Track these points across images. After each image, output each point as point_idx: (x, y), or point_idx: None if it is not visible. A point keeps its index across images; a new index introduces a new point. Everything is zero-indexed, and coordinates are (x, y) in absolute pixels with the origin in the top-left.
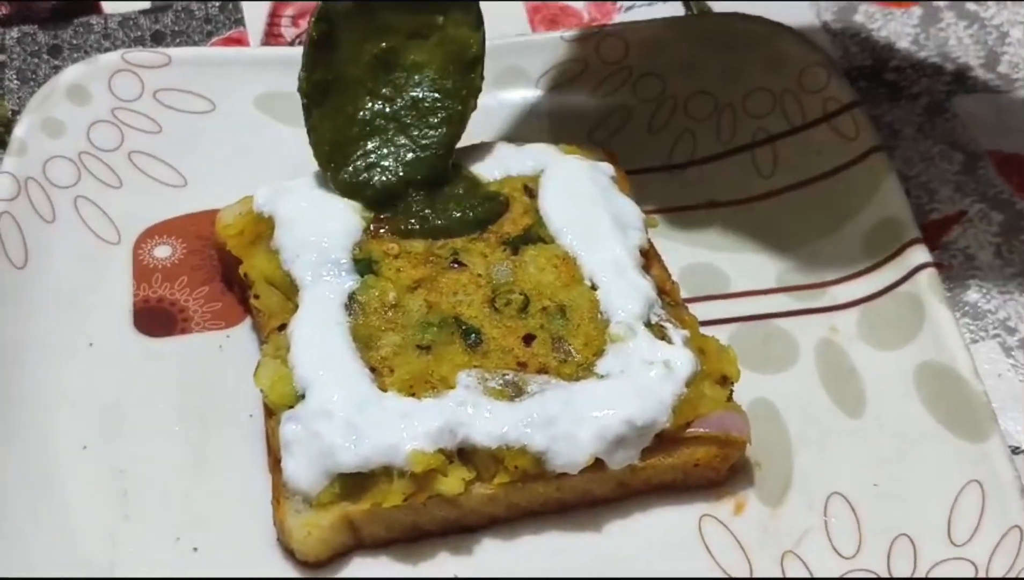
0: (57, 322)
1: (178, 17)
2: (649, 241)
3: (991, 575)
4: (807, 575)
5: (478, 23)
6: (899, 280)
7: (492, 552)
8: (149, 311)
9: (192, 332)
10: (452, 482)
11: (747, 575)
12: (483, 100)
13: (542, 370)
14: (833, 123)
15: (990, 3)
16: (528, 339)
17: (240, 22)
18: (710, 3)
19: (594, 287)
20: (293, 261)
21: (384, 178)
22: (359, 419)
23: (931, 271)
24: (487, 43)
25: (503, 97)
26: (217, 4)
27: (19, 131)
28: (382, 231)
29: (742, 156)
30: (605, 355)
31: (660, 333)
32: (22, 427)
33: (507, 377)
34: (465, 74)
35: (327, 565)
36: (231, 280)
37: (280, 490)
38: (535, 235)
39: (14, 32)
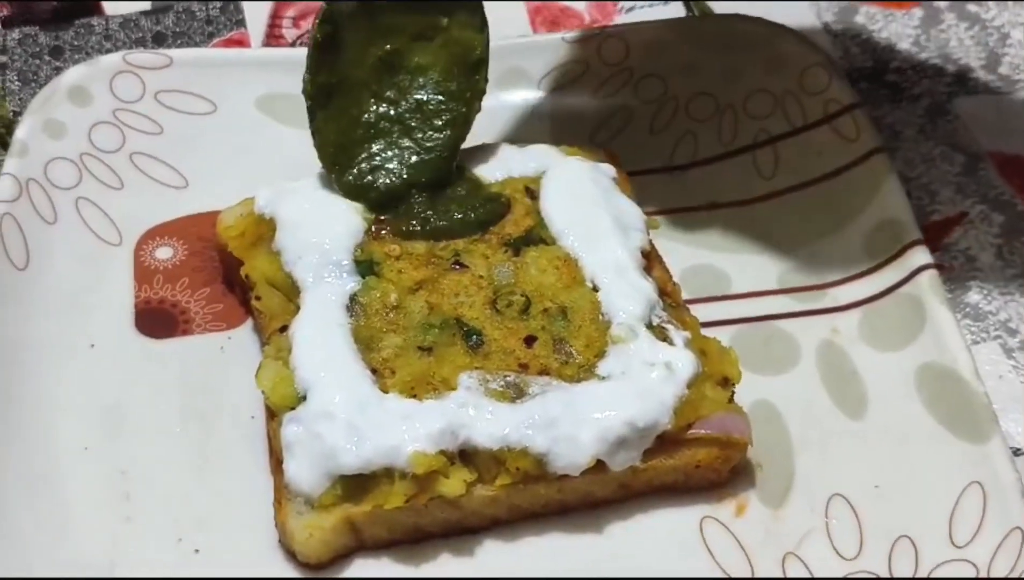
0: (58, 323)
1: (179, 18)
2: (650, 242)
3: (992, 576)
4: (808, 576)
5: (482, 25)
6: (900, 281)
7: (493, 553)
8: (150, 312)
9: (193, 333)
10: (453, 484)
11: (748, 576)
12: (484, 101)
13: (543, 371)
14: (834, 124)
15: (991, 5)
16: (529, 341)
17: (241, 23)
18: (711, 4)
19: (595, 288)
20: (294, 262)
21: (388, 180)
22: (360, 421)
23: (932, 272)
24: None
25: (504, 98)
26: (218, 5)
27: (20, 132)
28: (383, 233)
29: (743, 157)
30: (606, 357)
31: (661, 334)
32: (23, 428)
33: (508, 378)
34: (469, 76)
35: (329, 567)
36: (232, 281)
37: (282, 492)
38: (536, 236)
39: (15, 33)
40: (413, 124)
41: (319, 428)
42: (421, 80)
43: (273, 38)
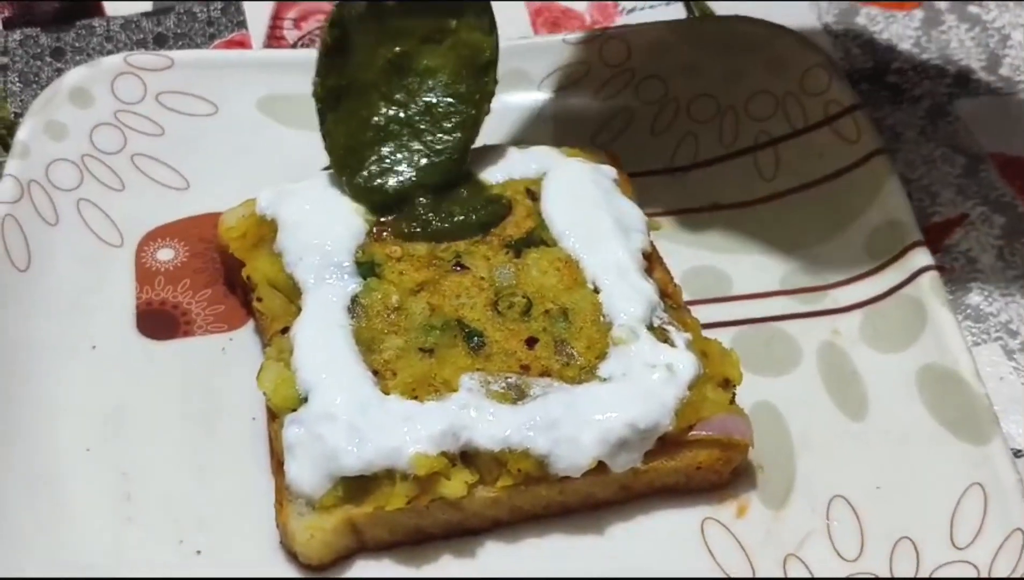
0: (60, 324)
1: (180, 19)
2: (651, 244)
3: (993, 577)
4: (809, 577)
5: (491, 27)
6: (901, 283)
7: (495, 555)
8: (152, 314)
9: (195, 335)
10: (455, 485)
11: (749, 577)
12: None
13: (545, 373)
14: (835, 126)
15: (991, 6)
16: (531, 342)
17: (242, 24)
18: (711, 5)
19: (596, 290)
20: (296, 264)
21: (398, 183)
22: (362, 422)
23: (933, 274)
24: None
25: (505, 100)
26: (219, 7)
27: (22, 134)
28: (385, 234)
29: (744, 159)
30: (607, 358)
31: (662, 336)
32: (24, 429)
33: (510, 380)
34: (478, 78)
35: (330, 568)
36: (234, 283)
37: (283, 493)
38: (538, 238)
39: (16, 35)
40: (422, 127)
41: (320, 429)
42: (430, 82)
43: (274, 39)
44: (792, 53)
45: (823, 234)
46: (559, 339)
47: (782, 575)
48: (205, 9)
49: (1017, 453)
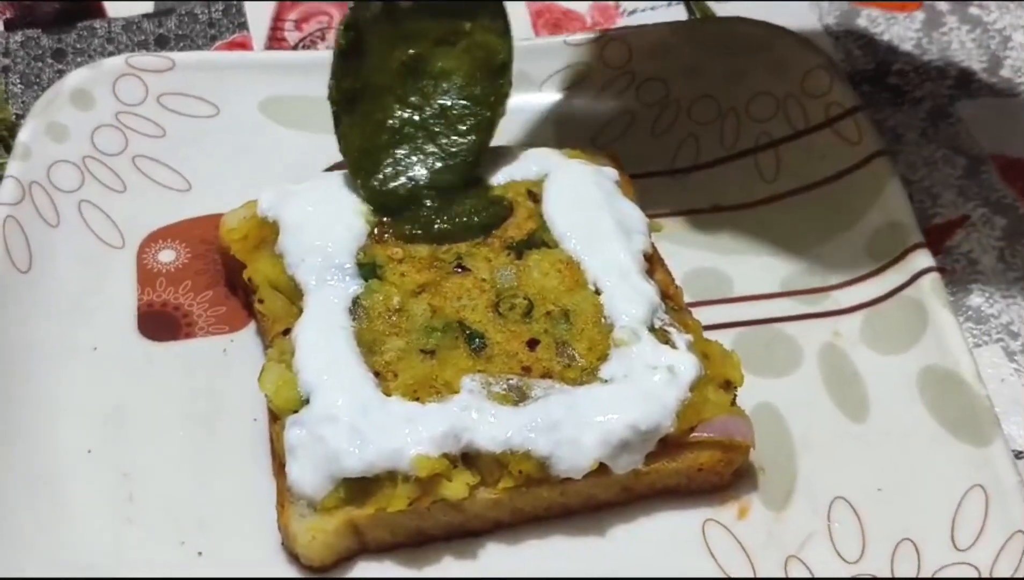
0: (61, 326)
1: (182, 21)
2: (653, 245)
3: (995, 578)
4: (810, 579)
5: (505, 29)
6: (902, 284)
7: (496, 556)
8: (153, 315)
9: (196, 336)
10: (456, 487)
11: (751, 578)
12: None
13: (546, 375)
14: (836, 127)
15: (992, 7)
16: (532, 344)
17: (244, 26)
18: (712, 6)
19: (598, 292)
20: (297, 265)
21: (413, 186)
22: (363, 424)
23: (934, 276)
24: None
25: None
26: (220, 8)
27: (23, 135)
28: (386, 236)
29: (745, 160)
30: (609, 360)
31: (664, 338)
32: (26, 430)
33: (511, 382)
34: (493, 80)
35: (331, 569)
36: (235, 284)
37: (284, 494)
38: (539, 240)
39: (18, 36)
40: (437, 129)
41: (322, 431)
42: (445, 85)
43: (275, 41)
44: (793, 54)
45: (824, 235)
46: (560, 341)
47: (783, 576)
48: (206, 10)
49: (1018, 454)
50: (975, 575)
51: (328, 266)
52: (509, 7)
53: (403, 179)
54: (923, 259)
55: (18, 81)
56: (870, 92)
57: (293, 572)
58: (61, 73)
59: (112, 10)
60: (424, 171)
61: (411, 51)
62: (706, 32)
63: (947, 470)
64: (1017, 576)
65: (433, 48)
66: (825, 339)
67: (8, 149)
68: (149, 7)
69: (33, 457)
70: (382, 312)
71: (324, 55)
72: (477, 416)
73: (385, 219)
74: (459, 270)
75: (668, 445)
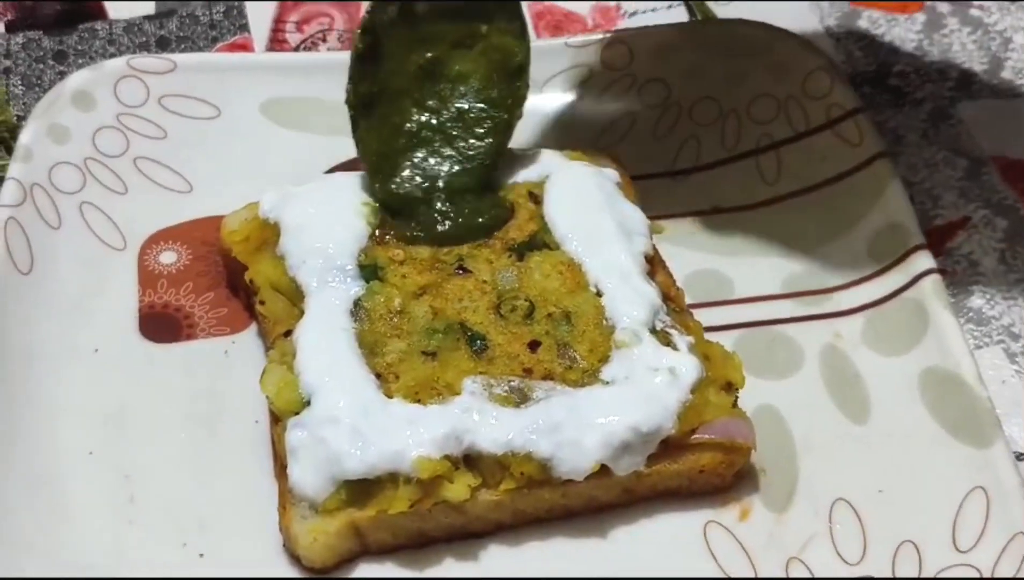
0: (62, 327)
1: (183, 23)
2: (654, 247)
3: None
4: None
5: (522, 30)
6: (903, 286)
7: (498, 558)
8: (154, 317)
9: (197, 338)
10: (458, 488)
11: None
12: None
13: (547, 376)
14: (837, 129)
15: (993, 9)
16: (533, 345)
17: (245, 28)
18: (714, 8)
19: (599, 293)
20: (299, 267)
21: (431, 189)
22: (365, 425)
23: (935, 277)
24: None
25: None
26: (222, 9)
27: (24, 137)
28: (387, 237)
29: (746, 162)
30: (610, 361)
31: (665, 339)
32: (27, 432)
33: (512, 383)
34: (510, 83)
35: (333, 571)
36: (236, 286)
37: (286, 496)
38: (540, 241)
39: (19, 38)
40: (455, 133)
41: (323, 433)
42: (462, 88)
43: (277, 42)
44: (794, 56)
45: (825, 237)
46: (562, 342)
47: (785, 577)
48: (207, 12)
49: (1019, 456)
50: (976, 576)
51: (329, 268)
52: None
53: (421, 182)
54: (924, 261)
55: (19, 83)
56: (871, 94)
57: (294, 573)
58: (62, 75)
59: (113, 12)
60: (442, 174)
61: (428, 54)
62: (707, 34)
63: (948, 472)
64: (1018, 577)
65: (450, 51)
66: (826, 341)
67: (9, 151)
68: (150, 9)
69: (34, 458)
70: (383, 314)
71: (325, 57)
72: (478, 418)
73: (388, 220)
74: (460, 272)
75: (669, 447)
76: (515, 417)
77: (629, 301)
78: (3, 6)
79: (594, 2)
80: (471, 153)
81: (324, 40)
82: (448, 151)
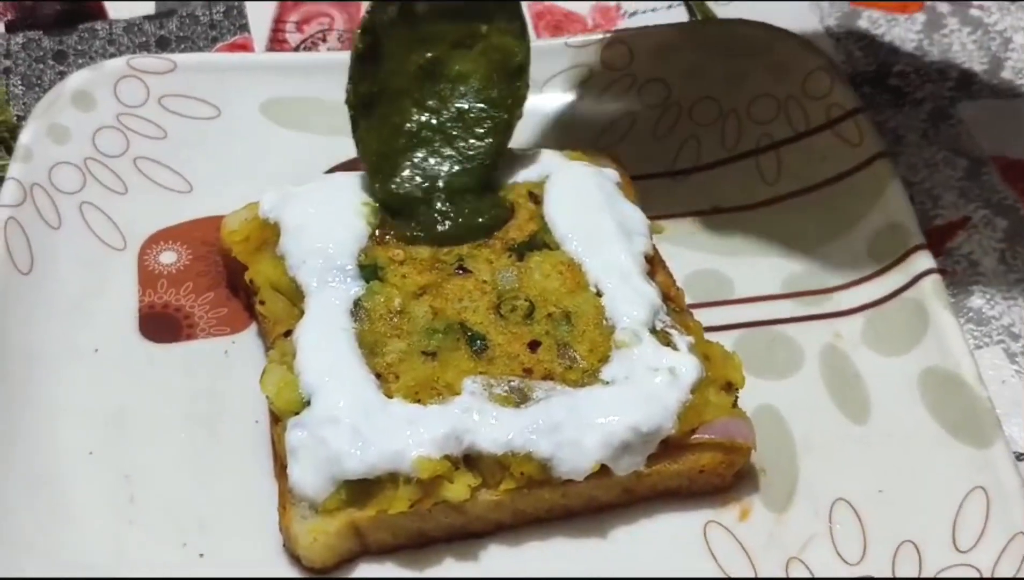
0: (62, 327)
1: (183, 23)
2: (654, 247)
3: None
4: None
5: (522, 30)
6: (903, 286)
7: (498, 558)
8: (154, 317)
9: (197, 338)
10: (458, 488)
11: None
12: None
13: (547, 376)
14: (837, 129)
15: (993, 9)
16: (533, 345)
17: (245, 28)
18: (713, 6)
19: (599, 293)
20: (299, 267)
21: (431, 189)
22: (365, 425)
23: (935, 277)
24: None
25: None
26: (222, 9)
27: (24, 137)
28: (388, 237)
29: (746, 162)
30: (610, 361)
31: (665, 339)
32: (27, 432)
33: (512, 383)
34: (510, 83)
35: (333, 571)
36: (236, 286)
37: (286, 496)
38: (540, 241)
39: (19, 38)
40: (455, 133)
41: (323, 433)
42: (462, 88)
43: (277, 42)
44: (794, 56)
45: (825, 237)
46: (562, 342)
47: (785, 578)
48: (207, 12)
49: (1019, 456)
50: (976, 576)
51: (329, 268)
52: None
53: (421, 182)
54: (924, 261)
55: (19, 83)
56: (871, 94)
57: (294, 574)
58: (62, 75)
59: (113, 11)
60: (442, 174)
61: (428, 54)
62: (707, 34)
63: (948, 472)
64: (1018, 577)
65: (450, 51)
66: (826, 341)
67: (9, 151)
68: (150, 8)
69: (34, 458)
70: (383, 314)
71: (325, 57)
72: (478, 418)
73: (388, 220)
74: (460, 272)
75: (669, 447)
76: (515, 417)
77: (629, 301)
78: (3, 6)
79: (594, 2)
80: (471, 153)
81: (324, 40)
82: (448, 151)
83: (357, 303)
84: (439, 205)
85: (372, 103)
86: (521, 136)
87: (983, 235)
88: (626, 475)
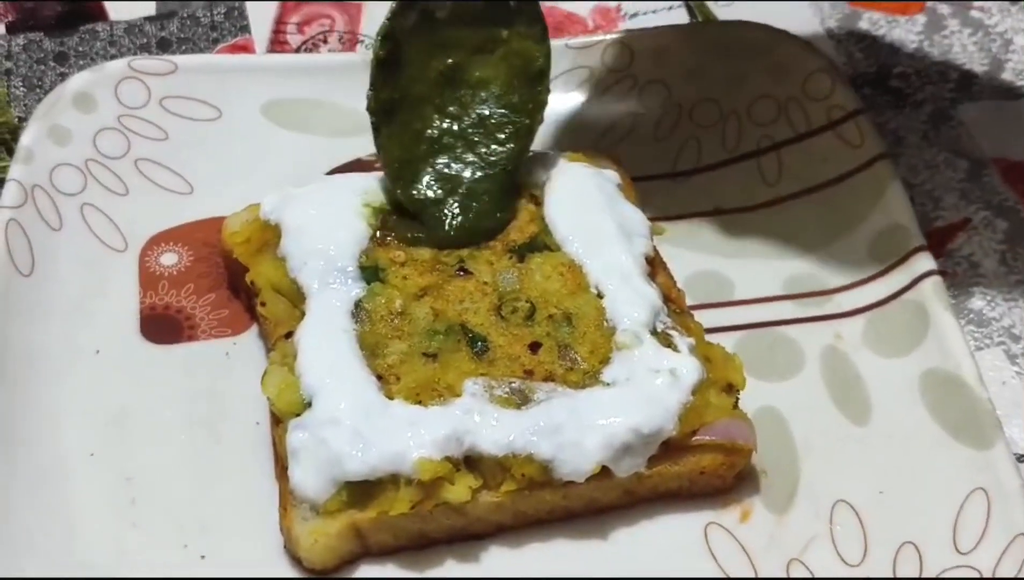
0: (63, 329)
1: (184, 24)
2: (654, 248)
3: None
4: None
5: (543, 36)
6: (904, 287)
7: (498, 559)
8: (156, 318)
9: (198, 339)
10: (459, 490)
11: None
12: None
13: (548, 378)
14: (838, 130)
15: (994, 10)
16: (534, 347)
17: (246, 29)
18: (713, 7)
19: (600, 295)
20: (300, 269)
21: (453, 195)
22: (366, 427)
23: (936, 278)
24: None
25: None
26: (223, 11)
27: (26, 139)
28: (388, 239)
29: (747, 163)
30: (611, 363)
31: (666, 341)
32: (29, 434)
33: (513, 385)
34: (531, 87)
35: (334, 572)
36: (237, 287)
37: (287, 498)
38: (541, 243)
39: (20, 39)
40: (476, 139)
41: (324, 434)
42: (483, 95)
43: (278, 44)
44: (795, 58)
45: (826, 239)
46: (563, 344)
47: (785, 579)
48: (208, 13)
49: (1020, 458)
50: (977, 577)
51: (330, 269)
52: None
53: (443, 188)
54: (925, 262)
55: (20, 84)
56: (871, 95)
57: (295, 575)
58: (63, 76)
59: (114, 13)
60: (464, 180)
61: (449, 60)
62: (708, 35)
63: (949, 473)
64: (1019, 578)
65: (470, 57)
66: (827, 342)
67: (10, 152)
68: (151, 10)
69: (35, 460)
70: (384, 315)
71: (326, 58)
72: (479, 419)
73: (390, 221)
74: (461, 273)
75: (670, 448)
76: (516, 418)
77: (630, 302)
78: (4, 7)
79: (595, 3)
80: (493, 159)
81: (325, 41)
82: (470, 157)
83: (358, 304)
84: (447, 209)
85: (393, 109)
86: None
87: (984, 236)
88: (627, 477)
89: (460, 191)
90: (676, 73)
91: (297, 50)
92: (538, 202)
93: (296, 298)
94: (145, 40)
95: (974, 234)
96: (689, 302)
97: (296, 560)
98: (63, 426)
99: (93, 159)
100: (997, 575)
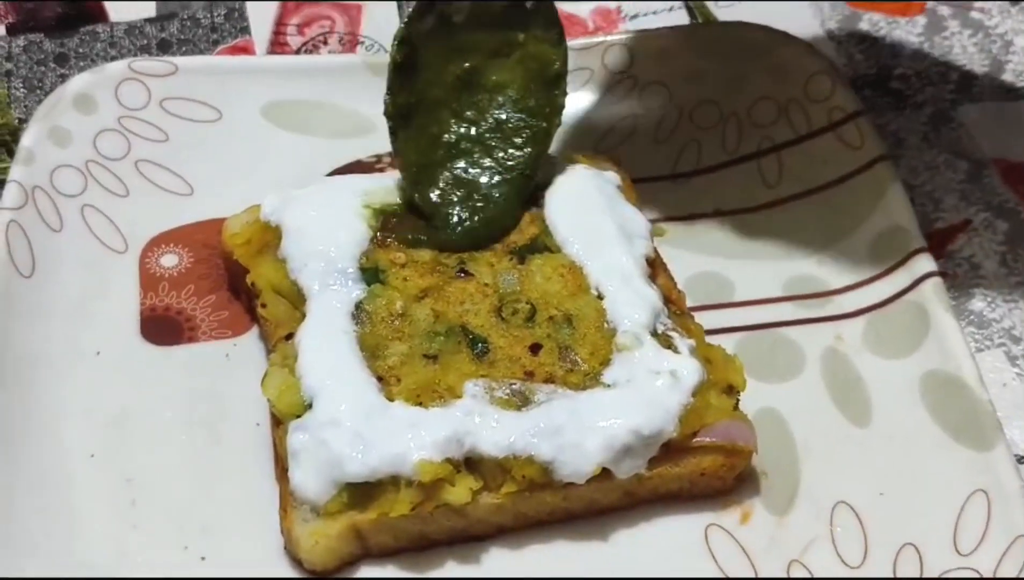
0: (64, 330)
1: (184, 25)
2: (655, 250)
3: None
4: None
5: (559, 39)
6: (904, 289)
7: (499, 561)
8: (156, 320)
9: (199, 341)
10: (459, 491)
11: None
12: None
13: (549, 379)
14: (838, 132)
15: (994, 12)
16: (535, 348)
17: (246, 30)
18: (713, 8)
19: (600, 296)
20: (300, 270)
21: (471, 199)
22: (366, 428)
23: (936, 280)
24: None
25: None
26: (223, 12)
27: (26, 140)
28: (389, 240)
29: (748, 165)
30: (612, 364)
31: (666, 342)
32: (30, 435)
33: (514, 386)
34: (548, 91)
35: (334, 574)
36: (238, 289)
37: (287, 499)
38: (541, 244)
39: (20, 40)
40: (493, 143)
41: (325, 436)
42: (500, 99)
43: (278, 45)
44: (795, 59)
45: (826, 240)
46: (563, 345)
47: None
48: (209, 15)
49: (1020, 459)
50: (977, 579)
51: (331, 271)
52: None
53: (460, 193)
54: (925, 263)
55: (21, 85)
56: (872, 96)
57: (296, 576)
58: (64, 77)
59: (114, 14)
60: (482, 185)
61: (466, 64)
62: (708, 37)
63: (949, 475)
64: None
65: (487, 61)
66: (827, 343)
67: (11, 153)
68: (151, 11)
69: (36, 461)
70: (385, 317)
71: (326, 60)
72: (480, 421)
73: (390, 223)
74: (462, 275)
75: (671, 450)
76: (516, 420)
77: (630, 304)
78: (4, 8)
79: (596, 1)
80: (510, 164)
81: (325, 43)
82: (487, 162)
83: (358, 306)
84: (465, 213)
85: (410, 114)
86: None
87: (984, 238)
88: (627, 478)
89: (477, 196)
90: (676, 74)
91: (297, 51)
92: (539, 204)
93: (296, 299)
94: (145, 41)
95: (974, 235)
96: (689, 303)
97: (296, 561)
98: (64, 427)
99: (93, 160)
100: (998, 576)
